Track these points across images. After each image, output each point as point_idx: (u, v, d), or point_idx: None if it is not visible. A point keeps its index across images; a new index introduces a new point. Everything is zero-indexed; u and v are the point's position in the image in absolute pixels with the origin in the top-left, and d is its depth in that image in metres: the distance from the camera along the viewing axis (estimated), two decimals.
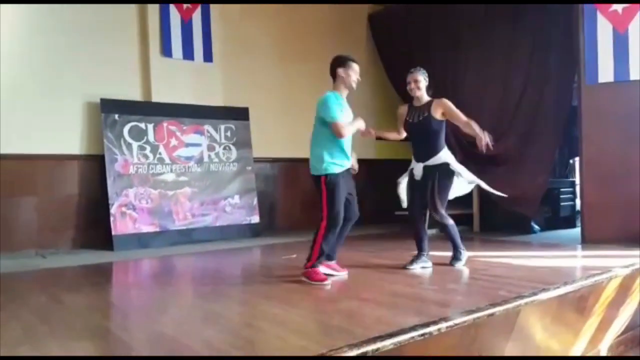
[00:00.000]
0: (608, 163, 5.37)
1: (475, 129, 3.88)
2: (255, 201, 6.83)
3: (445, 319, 2.48)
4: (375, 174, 7.07)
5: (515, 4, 6.17)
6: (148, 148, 6.19)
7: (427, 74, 4.25)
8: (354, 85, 3.77)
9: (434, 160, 4.08)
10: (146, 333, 2.68)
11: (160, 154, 6.26)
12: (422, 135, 4.13)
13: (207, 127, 6.66)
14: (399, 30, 7.73)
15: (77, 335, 2.62)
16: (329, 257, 3.80)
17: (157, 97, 6.34)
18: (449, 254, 4.28)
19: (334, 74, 3.78)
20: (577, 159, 6.63)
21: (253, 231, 6.72)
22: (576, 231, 6.14)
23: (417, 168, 4.13)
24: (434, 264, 4.19)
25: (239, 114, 6.92)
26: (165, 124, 6.34)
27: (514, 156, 6.27)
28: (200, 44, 6.63)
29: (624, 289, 3.69)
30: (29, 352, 2.30)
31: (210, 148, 6.65)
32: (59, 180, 5.89)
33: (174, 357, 2.11)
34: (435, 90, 6.33)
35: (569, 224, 7.00)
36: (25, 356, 2.17)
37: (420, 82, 4.17)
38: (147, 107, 6.29)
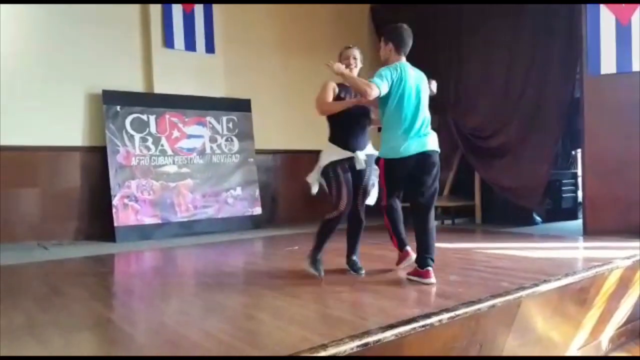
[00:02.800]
0: (610, 155, 5.36)
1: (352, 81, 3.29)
2: (257, 193, 6.84)
3: (446, 310, 2.49)
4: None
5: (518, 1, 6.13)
6: (150, 140, 6.18)
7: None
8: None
9: (370, 149, 3.57)
10: (147, 323, 2.69)
11: (162, 145, 6.25)
12: (360, 120, 3.52)
13: (209, 119, 6.65)
14: (401, 21, 7.68)
15: (79, 326, 2.64)
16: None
17: (159, 88, 6.33)
18: (448, 245, 4.28)
19: None
20: (579, 150, 6.61)
21: (255, 223, 6.73)
22: (578, 223, 6.14)
23: (360, 156, 3.41)
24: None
25: (241, 106, 6.91)
26: (167, 116, 6.33)
27: (516, 147, 6.26)
28: (202, 35, 6.60)
29: (625, 281, 3.70)
30: (31, 343, 2.31)
31: (212, 140, 6.65)
32: (61, 172, 5.90)
33: (175, 357, 2.11)
34: (439, 81, 6.18)
35: (571, 215, 6.99)
36: (26, 356, 2.18)
37: (359, 60, 3.55)
38: (149, 99, 6.28)
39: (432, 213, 3.32)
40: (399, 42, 3.30)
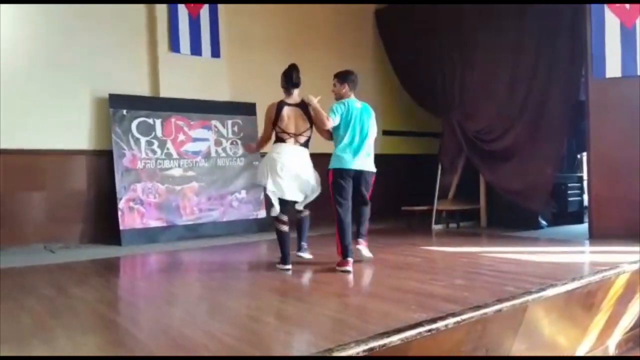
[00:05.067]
0: (616, 158, 5.34)
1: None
2: (262, 196, 6.83)
3: (452, 315, 2.48)
4: (381, 169, 7.04)
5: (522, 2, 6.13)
6: (156, 143, 6.20)
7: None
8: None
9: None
10: (153, 326, 2.70)
11: (167, 149, 6.27)
12: None
13: (215, 122, 6.67)
14: (406, 25, 7.70)
15: (85, 328, 2.65)
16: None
17: (165, 92, 6.35)
18: (453, 249, 4.25)
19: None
20: (584, 153, 6.58)
21: (260, 226, 6.73)
22: (584, 227, 6.12)
23: None
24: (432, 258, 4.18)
25: (246, 109, 6.92)
26: (173, 119, 6.35)
27: (521, 150, 6.25)
28: (208, 39, 6.62)
29: (632, 285, 3.68)
30: (39, 345, 2.33)
31: (218, 143, 6.66)
32: (67, 175, 5.92)
33: (176, 357, 2.12)
34: (443, 84, 6.36)
35: (577, 219, 6.95)
36: (29, 356, 2.19)
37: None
38: (155, 103, 6.30)
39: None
40: (354, 84, 4.25)
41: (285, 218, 4.06)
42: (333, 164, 4.06)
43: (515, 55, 6.31)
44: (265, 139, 4.24)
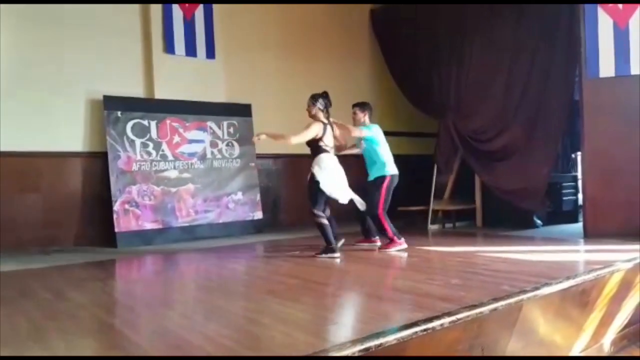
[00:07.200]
0: (610, 157, 5.37)
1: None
2: (258, 197, 6.84)
3: (448, 314, 2.49)
4: None
5: (518, 2, 6.15)
6: (151, 145, 6.20)
7: (315, 99, 4.82)
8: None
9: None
10: (150, 329, 2.70)
11: (163, 150, 6.27)
12: None
13: (210, 124, 6.66)
14: (401, 24, 7.73)
15: (82, 332, 2.64)
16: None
17: (160, 94, 6.34)
18: (449, 249, 4.27)
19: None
20: (579, 153, 6.61)
21: (256, 227, 6.73)
22: (578, 226, 6.15)
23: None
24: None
25: (242, 110, 6.92)
26: (168, 121, 6.35)
27: (516, 150, 6.27)
28: (202, 40, 6.62)
29: (626, 283, 3.70)
30: (35, 349, 2.32)
31: (213, 144, 6.66)
32: (62, 178, 5.90)
33: (176, 357, 2.12)
34: (439, 85, 6.47)
35: (571, 218, 6.98)
36: (26, 356, 2.19)
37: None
38: (150, 104, 6.30)
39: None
40: (371, 112, 5.10)
41: (324, 213, 4.70)
42: (387, 172, 4.89)
43: (511, 56, 6.33)
44: (291, 138, 4.77)
